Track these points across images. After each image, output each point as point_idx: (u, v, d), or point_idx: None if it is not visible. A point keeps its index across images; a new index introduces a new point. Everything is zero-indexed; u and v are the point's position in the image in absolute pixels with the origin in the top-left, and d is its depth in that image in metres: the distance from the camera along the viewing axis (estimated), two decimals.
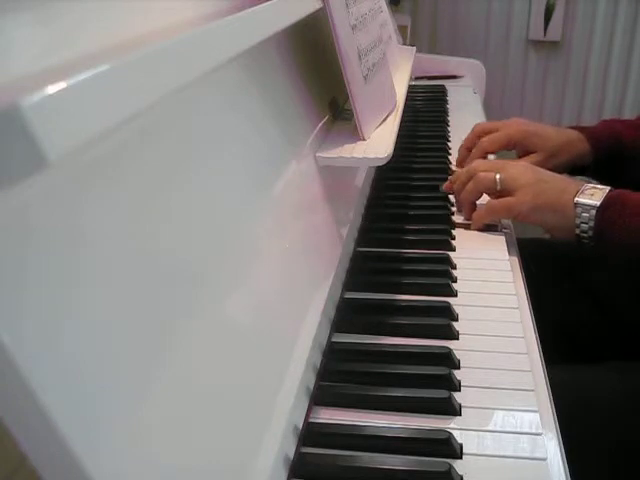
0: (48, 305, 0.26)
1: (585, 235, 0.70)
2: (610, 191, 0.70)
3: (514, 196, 0.74)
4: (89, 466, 0.25)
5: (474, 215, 0.79)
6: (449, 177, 0.88)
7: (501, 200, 0.76)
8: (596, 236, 0.69)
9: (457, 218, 0.82)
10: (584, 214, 0.69)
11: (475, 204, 0.81)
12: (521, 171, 0.76)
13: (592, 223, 0.69)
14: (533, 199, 0.73)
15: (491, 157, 0.98)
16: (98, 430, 0.26)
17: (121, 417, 0.28)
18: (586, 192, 0.70)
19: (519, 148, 0.93)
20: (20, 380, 0.23)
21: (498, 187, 0.76)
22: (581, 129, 0.94)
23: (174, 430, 0.32)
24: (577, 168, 0.93)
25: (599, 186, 0.71)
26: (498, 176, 0.76)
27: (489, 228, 0.79)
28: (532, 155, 0.91)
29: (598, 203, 0.69)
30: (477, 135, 0.95)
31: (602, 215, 0.68)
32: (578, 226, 0.70)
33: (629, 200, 0.69)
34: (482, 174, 0.78)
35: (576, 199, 0.70)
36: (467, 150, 0.95)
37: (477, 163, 0.82)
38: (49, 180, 0.27)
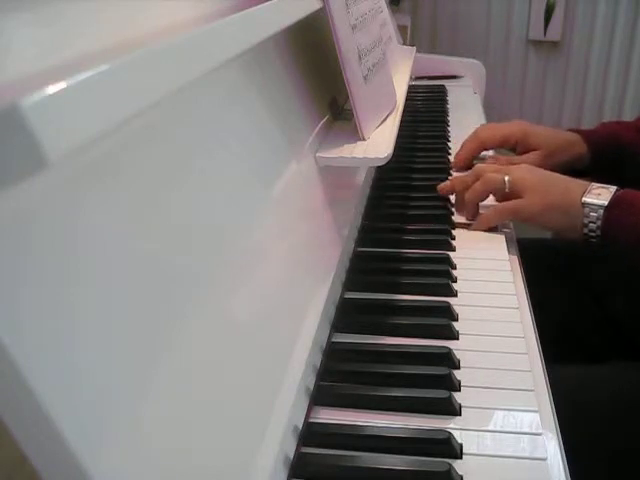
0: (48, 305, 0.26)
1: (592, 235, 0.70)
2: (617, 190, 0.70)
3: (522, 198, 0.74)
4: (89, 466, 0.25)
5: (481, 217, 0.79)
6: (449, 178, 0.88)
7: (509, 202, 0.75)
8: (603, 235, 0.69)
9: (457, 218, 0.82)
10: (592, 214, 0.69)
11: (478, 206, 0.80)
12: (526, 173, 0.76)
13: (600, 223, 0.69)
14: (541, 200, 0.72)
15: (490, 153, 0.99)
16: (98, 430, 0.26)
17: (121, 417, 0.28)
18: (593, 192, 0.70)
19: (520, 146, 0.94)
20: (20, 380, 0.23)
21: (507, 189, 0.76)
22: (579, 131, 0.94)
23: (174, 430, 0.32)
24: (574, 170, 0.93)
25: (606, 185, 0.71)
26: (507, 178, 0.76)
27: (489, 228, 0.79)
28: (532, 153, 0.91)
29: (606, 202, 0.69)
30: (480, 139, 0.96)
31: (609, 214, 0.68)
32: (586, 225, 0.70)
33: (636, 199, 0.68)
34: (491, 174, 0.78)
35: (583, 199, 0.70)
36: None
37: (482, 166, 0.82)
38: (49, 180, 0.27)
